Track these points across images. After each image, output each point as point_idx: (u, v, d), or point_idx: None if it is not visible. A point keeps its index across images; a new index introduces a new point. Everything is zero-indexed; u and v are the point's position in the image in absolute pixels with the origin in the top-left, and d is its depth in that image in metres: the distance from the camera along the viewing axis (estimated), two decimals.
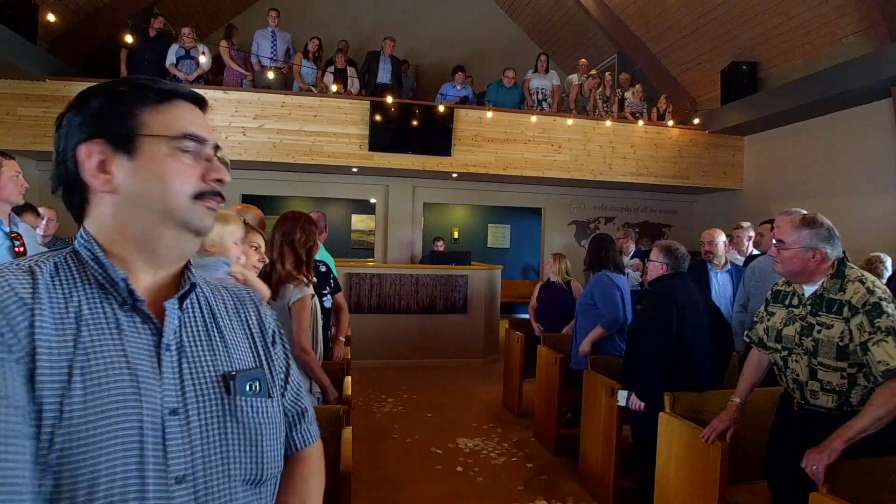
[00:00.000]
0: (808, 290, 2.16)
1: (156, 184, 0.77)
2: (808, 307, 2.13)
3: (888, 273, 4.20)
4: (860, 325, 1.95)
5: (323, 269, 3.42)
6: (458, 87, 7.75)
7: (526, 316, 11.33)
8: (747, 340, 2.44)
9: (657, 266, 3.15)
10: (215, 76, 7.28)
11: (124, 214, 0.77)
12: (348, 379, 3.10)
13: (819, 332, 2.06)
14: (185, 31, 6.77)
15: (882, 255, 4.30)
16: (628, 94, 8.37)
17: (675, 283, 3.06)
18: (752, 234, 4.75)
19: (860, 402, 1.98)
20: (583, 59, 8.28)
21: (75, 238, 0.79)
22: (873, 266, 4.17)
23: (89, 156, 0.76)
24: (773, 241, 2.24)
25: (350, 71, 7.47)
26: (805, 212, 2.23)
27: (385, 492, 3.60)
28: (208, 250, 1.93)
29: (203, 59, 6.78)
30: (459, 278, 7.16)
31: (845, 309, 2.01)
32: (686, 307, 2.95)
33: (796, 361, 2.14)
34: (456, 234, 12.02)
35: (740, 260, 4.61)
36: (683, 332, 2.91)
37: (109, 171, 0.76)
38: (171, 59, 6.70)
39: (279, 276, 2.61)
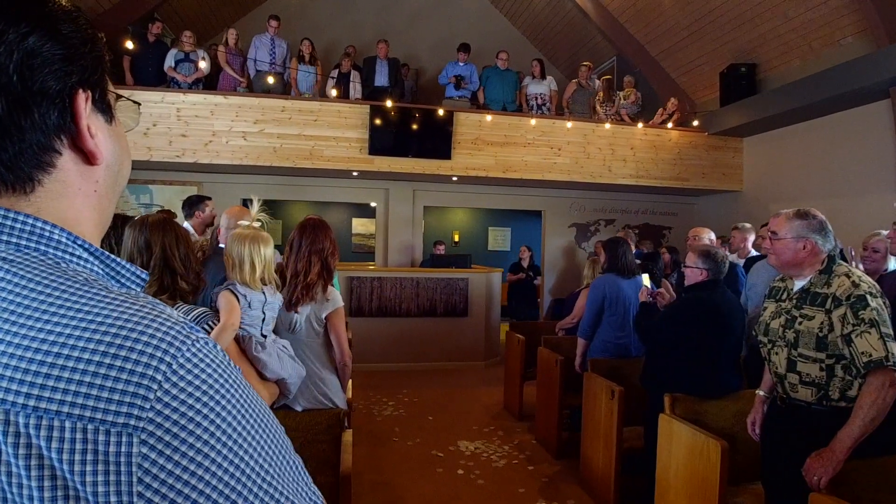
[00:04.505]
0: (798, 284, 2.20)
1: (126, 155, 0.63)
2: (794, 300, 2.17)
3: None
4: (843, 317, 1.97)
5: None
6: (462, 65, 7.77)
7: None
8: (754, 334, 2.47)
9: (695, 272, 3.03)
10: (212, 79, 7.30)
11: (105, 196, 0.61)
12: (349, 382, 3.10)
13: (800, 323, 2.10)
14: (186, 34, 6.81)
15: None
16: (624, 98, 8.38)
17: (716, 296, 2.94)
18: (752, 235, 4.75)
19: (840, 396, 2.00)
20: (587, 62, 8.28)
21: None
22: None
23: (85, 108, 0.56)
24: (769, 234, 2.29)
25: (354, 76, 7.49)
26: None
27: (386, 495, 3.60)
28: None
29: (203, 64, 6.82)
30: (460, 281, 7.17)
31: (829, 301, 2.04)
32: (723, 325, 2.89)
33: (776, 354, 2.18)
34: (456, 238, 12.02)
35: (741, 263, 4.60)
36: (711, 344, 2.89)
37: (95, 135, 0.57)
38: (169, 62, 6.74)
39: (305, 285, 2.52)
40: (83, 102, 0.55)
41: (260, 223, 2.05)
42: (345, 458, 2.25)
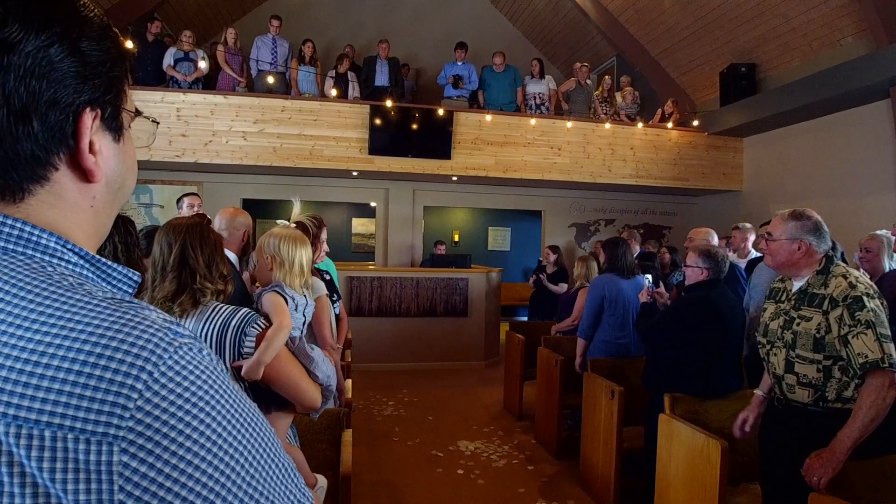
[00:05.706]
0: (796, 285, 2.21)
1: (130, 173, 0.62)
2: (793, 301, 2.17)
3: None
4: (839, 318, 1.98)
5: (327, 277, 3.42)
6: (460, 64, 7.77)
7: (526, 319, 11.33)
8: (757, 336, 2.47)
9: (696, 272, 3.03)
10: (211, 79, 7.29)
11: (102, 211, 0.59)
12: (349, 382, 3.10)
13: (798, 324, 2.10)
14: (186, 34, 6.81)
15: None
16: (618, 97, 8.36)
17: (715, 296, 2.93)
18: (752, 235, 4.75)
19: (836, 397, 2.01)
20: (584, 63, 8.27)
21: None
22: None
23: (89, 128, 0.54)
24: (764, 235, 2.31)
25: (351, 76, 7.49)
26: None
27: (386, 495, 3.60)
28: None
29: (202, 64, 6.82)
30: (460, 281, 7.17)
31: (826, 302, 2.05)
32: (723, 325, 2.89)
33: (775, 355, 2.19)
34: (456, 238, 12.02)
35: (742, 262, 4.60)
36: (711, 344, 2.89)
37: (98, 152, 0.56)
38: (168, 61, 6.73)
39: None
40: (89, 121, 0.54)
41: (296, 224, 2.04)
42: (345, 458, 2.25)
